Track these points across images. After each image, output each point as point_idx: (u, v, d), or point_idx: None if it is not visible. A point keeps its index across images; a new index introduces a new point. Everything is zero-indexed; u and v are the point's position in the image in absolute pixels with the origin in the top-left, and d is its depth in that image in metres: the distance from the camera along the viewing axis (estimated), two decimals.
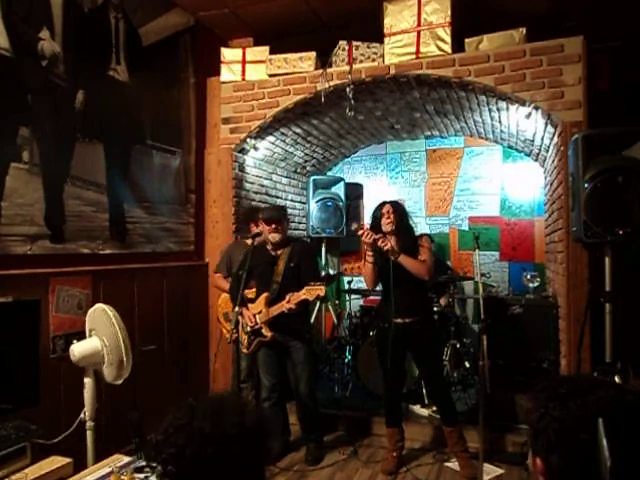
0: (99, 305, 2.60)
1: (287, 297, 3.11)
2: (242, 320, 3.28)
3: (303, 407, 3.44)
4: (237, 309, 3.09)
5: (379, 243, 2.99)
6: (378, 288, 3.32)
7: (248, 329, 3.28)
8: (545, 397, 0.98)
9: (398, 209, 3.19)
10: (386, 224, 3.13)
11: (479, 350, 3.14)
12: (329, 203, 4.97)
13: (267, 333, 3.24)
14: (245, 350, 3.35)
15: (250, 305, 3.31)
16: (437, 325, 4.13)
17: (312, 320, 4.36)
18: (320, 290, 3.01)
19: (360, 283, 5.53)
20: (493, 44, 3.48)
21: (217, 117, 4.27)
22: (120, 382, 2.57)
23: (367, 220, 5.29)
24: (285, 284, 3.23)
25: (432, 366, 3.27)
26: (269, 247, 3.38)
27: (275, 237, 3.29)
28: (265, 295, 3.25)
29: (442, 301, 4.43)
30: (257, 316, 3.25)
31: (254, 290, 3.38)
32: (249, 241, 3.39)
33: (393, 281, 2.99)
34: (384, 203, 3.21)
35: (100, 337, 2.50)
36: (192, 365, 4.11)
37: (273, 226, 3.27)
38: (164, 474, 1.03)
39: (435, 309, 4.21)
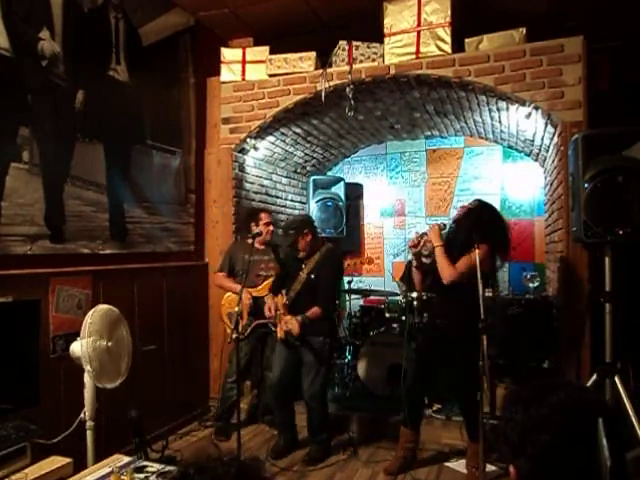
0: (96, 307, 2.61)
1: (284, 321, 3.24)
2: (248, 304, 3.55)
3: (307, 409, 3.43)
4: (237, 309, 3.09)
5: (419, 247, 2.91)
6: (383, 288, 3.28)
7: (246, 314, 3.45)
8: (509, 403, 0.99)
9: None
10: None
11: (479, 350, 3.13)
12: (329, 203, 4.97)
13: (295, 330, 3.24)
14: (234, 333, 3.14)
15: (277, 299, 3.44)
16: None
17: None
18: (293, 326, 3.14)
19: (360, 283, 5.54)
20: (493, 44, 3.48)
21: (217, 117, 4.28)
22: (104, 386, 2.54)
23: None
24: (302, 294, 3.31)
25: (463, 380, 2.92)
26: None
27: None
28: (284, 302, 3.36)
29: None
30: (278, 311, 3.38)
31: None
32: (250, 241, 3.48)
33: (433, 280, 2.89)
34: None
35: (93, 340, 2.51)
36: (192, 365, 4.11)
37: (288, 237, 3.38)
38: None
39: None
